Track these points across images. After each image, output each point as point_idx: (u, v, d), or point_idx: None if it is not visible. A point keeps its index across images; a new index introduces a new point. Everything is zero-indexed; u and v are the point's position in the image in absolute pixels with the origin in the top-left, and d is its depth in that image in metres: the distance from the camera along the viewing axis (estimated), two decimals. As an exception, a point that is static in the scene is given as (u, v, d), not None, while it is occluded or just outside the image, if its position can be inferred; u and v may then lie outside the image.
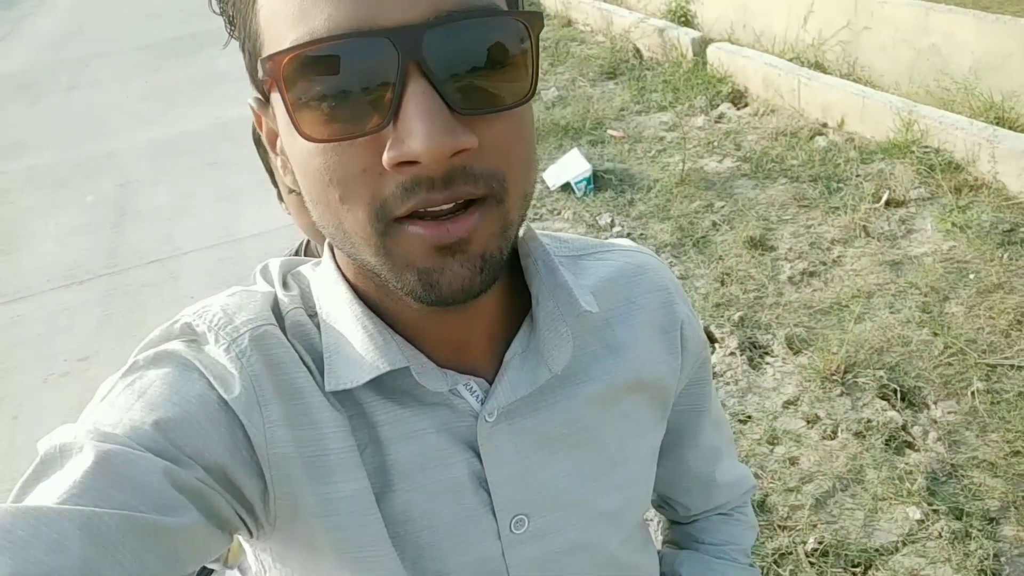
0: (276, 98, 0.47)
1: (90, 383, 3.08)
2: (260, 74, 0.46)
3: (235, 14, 0.49)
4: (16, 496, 0.44)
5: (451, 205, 0.44)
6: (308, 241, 1.24)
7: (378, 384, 0.54)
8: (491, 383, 0.57)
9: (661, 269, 0.68)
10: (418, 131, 0.41)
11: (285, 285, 0.59)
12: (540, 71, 0.47)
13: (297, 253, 1.26)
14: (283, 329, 0.55)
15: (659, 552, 0.80)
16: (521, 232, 0.59)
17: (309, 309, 0.57)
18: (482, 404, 0.57)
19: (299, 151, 0.46)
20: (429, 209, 0.44)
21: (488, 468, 0.57)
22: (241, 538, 0.57)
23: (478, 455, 0.57)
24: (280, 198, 1.17)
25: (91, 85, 7.36)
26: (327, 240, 0.57)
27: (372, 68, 0.42)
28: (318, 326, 0.56)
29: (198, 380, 0.51)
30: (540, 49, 0.47)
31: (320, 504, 0.53)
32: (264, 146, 1.11)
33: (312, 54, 0.42)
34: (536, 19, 0.45)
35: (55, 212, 4.71)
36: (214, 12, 0.52)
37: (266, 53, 0.46)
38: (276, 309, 0.56)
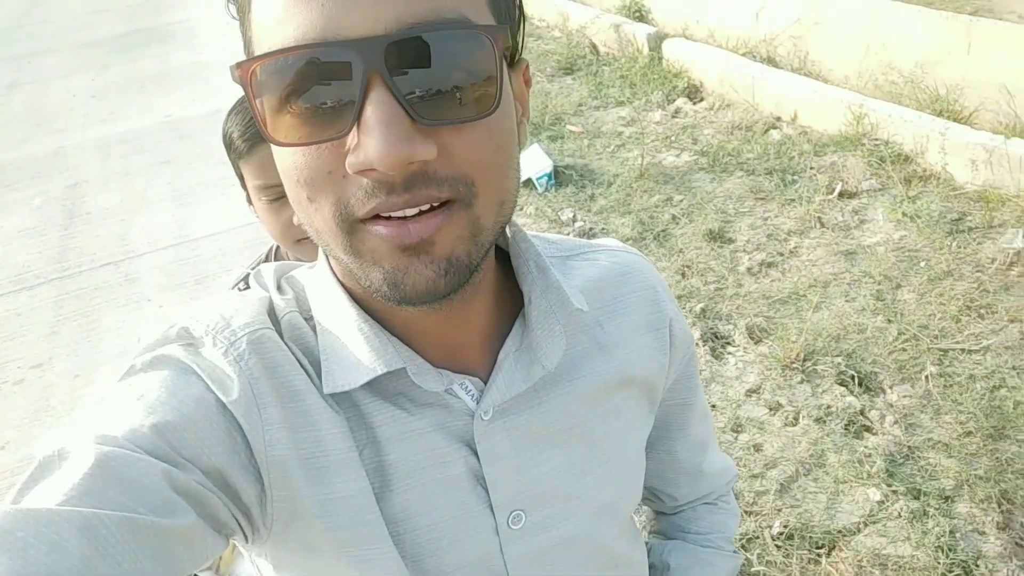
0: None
1: (45, 390, 3.01)
2: (232, 79, 0.47)
3: (238, 19, 0.51)
4: (15, 498, 0.44)
5: (415, 210, 0.45)
6: (276, 247, 1.23)
7: (375, 385, 0.55)
8: (485, 382, 0.58)
9: (648, 268, 0.70)
10: (374, 140, 0.42)
11: (280, 289, 0.59)
12: (505, 83, 0.48)
13: (267, 259, 1.25)
14: (280, 333, 0.55)
15: (647, 543, 0.82)
16: (510, 234, 0.60)
17: (305, 312, 0.58)
18: (477, 403, 0.58)
19: (275, 150, 0.48)
20: (392, 214, 0.45)
21: (485, 465, 0.58)
22: (238, 545, 0.57)
23: (475, 453, 0.58)
24: (249, 202, 1.16)
25: (35, 82, 7.13)
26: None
27: (336, 77, 0.43)
28: (314, 329, 0.57)
29: (196, 383, 0.51)
30: (504, 61, 0.48)
31: (320, 505, 0.53)
32: (235, 150, 1.11)
33: (278, 62, 0.44)
34: (501, 32, 0.46)
35: (1, 215, 4.57)
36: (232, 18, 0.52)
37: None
38: (272, 313, 0.57)
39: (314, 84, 0.43)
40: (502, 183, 0.49)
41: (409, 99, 0.43)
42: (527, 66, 0.53)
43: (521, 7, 0.52)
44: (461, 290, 0.49)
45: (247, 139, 1.08)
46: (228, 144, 1.11)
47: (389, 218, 0.45)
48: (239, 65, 0.45)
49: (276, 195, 1.09)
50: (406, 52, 0.43)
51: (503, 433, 0.59)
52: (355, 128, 0.43)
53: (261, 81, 0.45)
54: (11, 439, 2.77)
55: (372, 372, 0.53)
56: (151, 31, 8.07)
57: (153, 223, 4.19)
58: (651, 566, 0.80)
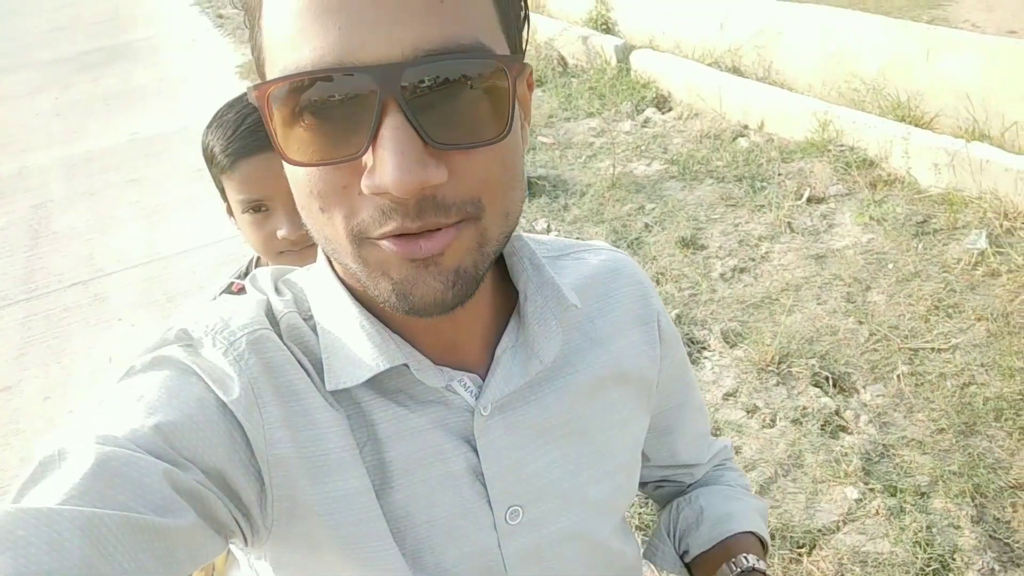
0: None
1: (13, 414, 2.95)
2: (248, 98, 0.48)
3: (247, 22, 0.51)
4: (15, 497, 0.44)
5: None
6: (257, 258, 1.22)
7: (375, 383, 0.56)
8: (483, 378, 0.59)
9: (634, 266, 0.72)
10: (389, 165, 0.43)
11: (278, 291, 0.60)
12: (516, 108, 0.49)
13: (247, 271, 1.24)
14: (279, 334, 0.56)
15: (642, 539, 0.83)
16: None
17: (303, 313, 0.58)
18: (476, 399, 0.58)
19: (287, 163, 0.48)
20: (403, 234, 0.46)
21: (484, 461, 0.59)
22: (237, 547, 0.57)
23: (474, 449, 0.58)
24: (229, 213, 1.16)
25: (-4, 102, 7.03)
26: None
27: (353, 101, 0.44)
28: (313, 329, 0.57)
29: (196, 383, 0.51)
30: (518, 91, 0.49)
31: (321, 503, 0.54)
32: (217, 164, 1.10)
33: (295, 85, 0.44)
34: (516, 61, 0.47)
35: (-37, 236, 4.48)
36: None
37: (259, 77, 0.48)
38: (270, 314, 0.57)
39: (330, 107, 0.44)
40: (508, 197, 0.50)
41: (423, 123, 0.44)
42: (531, 71, 0.54)
43: (527, 7, 0.53)
44: (468, 300, 0.49)
45: (229, 154, 1.07)
46: (209, 158, 1.10)
47: (400, 235, 0.46)
48: (256, 87, 0.46)
49: (258, 209, 1.09)
50: (422, 78, 0.43)
51: (501, 429, 0.59)
52: (370, 149, 0.44)
53: (277, 102, 0.45)
54: (-21, 464, 2.70)
55: (375, 368, 0.54)
56: (114, 49, 7.98)
57: (122, 242, 4.13)
58: (680, 528, 0.81)
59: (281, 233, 1.06)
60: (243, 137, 1.06)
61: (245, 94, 1.11)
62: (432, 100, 0.44)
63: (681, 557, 0.81)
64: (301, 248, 1.08)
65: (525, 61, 0.50)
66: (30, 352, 3.31)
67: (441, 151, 0.45)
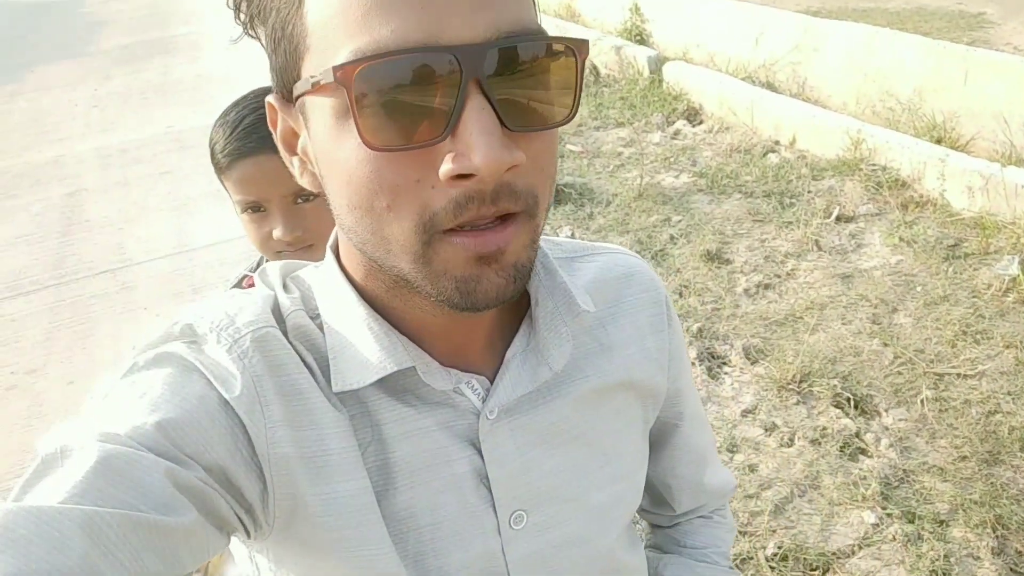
0: (321, 102, 0.47)
1: (38, 396, 2.99)
2: (322, 80, 0.45)
3: (262, 12, 0.50)
4: (17, 495, 0.44)
5: (492, 220, 0.46)
6: (263, 258, 1.23)
7: (382, 384, 0.55)
8: (492, 381, 0.59)
9: (649, 272, 0.71)
10: (479, 146, 0.43)
11: (286, 288, 0.59)
12: (582, 93, 0.50)
13: (259, 265, 1.25)
14: (284, 332, 0.55)
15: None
16: None
17: (311, 312, 0.58)
18: (483, 402, 0.58)
19: (346, 156, 0.47)
20: (476, 224, 0.46)
21: (489, 464, 0.58)
22: (238, 540, 0.57)
23: (479, 452, 0.58)
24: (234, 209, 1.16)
25: (36, 91, 7.16)
26: (328, 244, 0.59)
27: (435, 82, 0.43)
28: (320, 328, 0.57)
29: (199, 381, 0.51)
30: (583, 73, 0.49)
31: (320, 504, 0.53)
32: (217, 164, 1.11)
33: (381, 65, 0.43)
34: (583, 45, 0.48)
35: (-1, 221, 4.57)
36: (228, 8, 0.53)
37: (318, 58, 0.47)
38: (277, 312, 0.57)
39: (413, 89, 0.44)
40: (551, 191, 0.51)
41: (502, 106, 0.44)
42: None
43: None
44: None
45: (227, 154, 1.07)
46: (212, 156, 1.11)
47: (468, 229, 0.46)
48: (340, 67, 0.44)
49: (256, 209, 1.09)
50: (503, 60, 0.44)
51: (507, 433, 0.59)
52: (451, 135, 0.44)
53: (361, 83, 0.44)
54: (2, 445, 2.75)
55: (382, 370, 0.53)
56: (154, 43, 8.12)
57: (151, 232, 4.19)
58: None
59: (276, 234, 1.07)
60: (240, 138, 1.06)
61: (248, 94, 1.12)
62: (510, 83, 0.45)
63: None
64: (297, 249, 1.08)
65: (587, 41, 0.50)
66: (57, 337, 3.36)
67: (517, 134, 0.45)
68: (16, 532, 0.39)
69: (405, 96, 0.44)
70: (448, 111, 0.44)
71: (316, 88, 0.46)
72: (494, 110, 0.44)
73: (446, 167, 0.44)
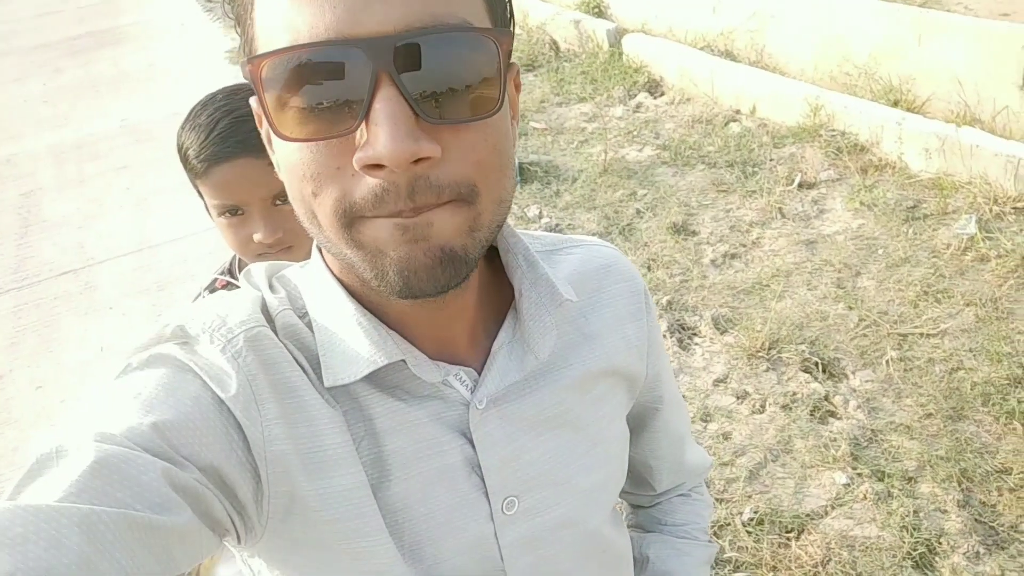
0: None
1: (7, 403, 2.95)
2: (243, 76, 0.48)
3: (237, 17, 0.52)
4: (13, 494, 0.44)
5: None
6: (238, 258, 1.22)
7: (373, 379, 0.56)
8: (478, 371, 0.60)
9: (626, 262, 0.73)
10: (383, 135, 0.43)
11: (272, 288, 0.60)
12: (506, 84, 0.50)
13: (230, 267, 1.24)
14: (274, 330, 0.56)
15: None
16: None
17: (298, 310, 0.58)
18: (472, 393, 0.59)
19: (280, 147, 0.49)
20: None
21: (481, 453, 0.60)
22: (229, 545, 0.57)
23: (470, 442, 0.59)
24: (208, 210, 1.15)
25: (-17, 88, 6.97)
26: (315, 243, 0.59)
27: (346, 75, 0.44)
28: (309, 326, 0.58)
29: (193, 381, 0.51)
30: (505, 64, 0.49)
31: (318, 498, 0.54)
32: (191, 169, 1.09)
33: (290, 59, 0.45)
34: (505, 35, 0.48)
35: (-48, 224, 4.45)
36: (227, 16, 0.53)
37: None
38: (265, 311, 0.57)
39: (323, 81, 0.45)
40: (500, 182, 0.51)
41: (415, 98, 0.45)
42: (517, 71, 0.55)
43: (512, 11, 0.54)
44: (462, 283, 0.50)
45: (203, 159, 1.05)
46: (184, 161, 1.09)
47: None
48: (249, 60, 0.46)
49: (234, 212, 1.08)
50: (413, 53, 0.44)
51: (497, 421, 0.60)
52: (363, 125, 0.45)
53: (270, 77, 0.46)
54: (-28, 454, 2.70)
55: (373, 364, 0.54)
56: (103, 34, 7.91)
57: (112, 230, 4.12)
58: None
59: (257, 237, 1.06)
60: (216, 143, 1.04)
61: (216, 93, 1.11)
62: (424, 75, 0.45)
63: None
64: (278, 251, 1.07)
65: (513, 62, 0.51)
66: (21, 342, 3.30)
67: (434, 127, 0.45)
68: (12, 530, 0.39)
69: (317, 88, 0.45)
70: (361, 102, 0.44)
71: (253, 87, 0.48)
72: (407, 101, 0.44)
73: (356, 155, 0.45)
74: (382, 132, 0.43)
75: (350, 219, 0.47)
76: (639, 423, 0.79)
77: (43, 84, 6.79)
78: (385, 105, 0.44)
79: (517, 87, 0.57)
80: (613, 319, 0.69)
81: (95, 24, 8.13)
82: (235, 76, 5.66)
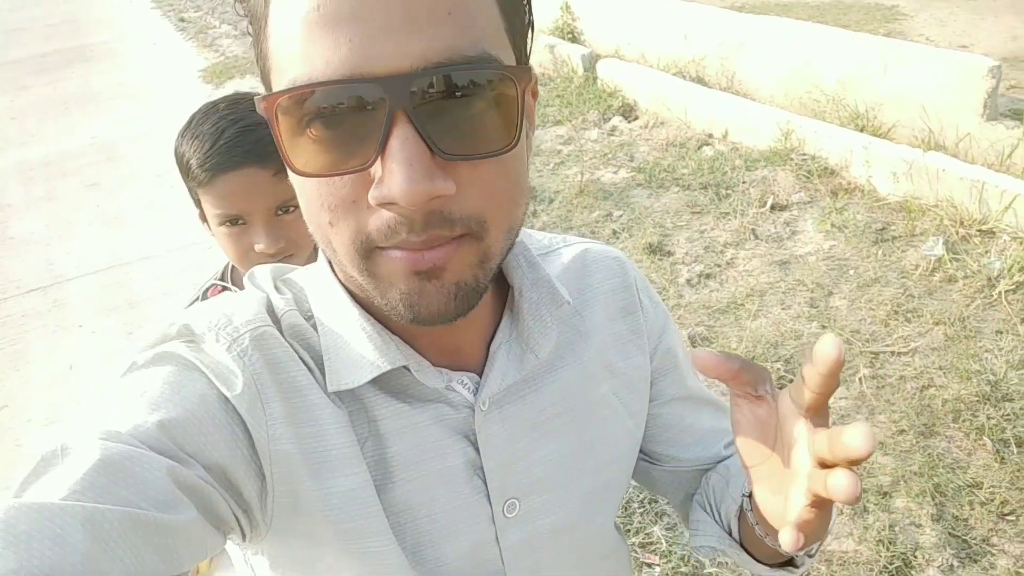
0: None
1: (-30, 422, 2.86)
2: (258, 110, 0.47)
3: (251, 26, 0.51)
4: (18, 492, 0.44)
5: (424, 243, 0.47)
6: (232, 266, 1.21)
7: (377, 382, 0.56)
8: (480, 375, 0.60)
9: (616, 259, 0.72)
10: (398, 176, 0.43)
11: (277, 290, 0.60)
12: (526, 121, 0.49)
13: (223, 275, 1.23)
14: (280, 331, 0.56)
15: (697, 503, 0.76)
16: None
17: (304, 312, 0.58)
18: (474, 395, 0.59)
19: (296, 175, 0.49)
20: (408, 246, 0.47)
21: (484, 456, 0.60)
22: (233, 543, 0.57)
23: (473, 444, 0.59)
24: (203, 219, 1.14)
25: (-52, 105, 6.84)
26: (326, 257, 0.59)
27: (362, 112, 0.44)
28: (314, 327, 0.58)
29: (199, 379, 0.51)
30: (526, 101, 0.49)
31: (322, 498, 0.54)
32: (194, 178, 1.09)
33: (304, 96, 0.44)
34: (524, 73, 0.48)
35: (-85, 241, 4.35)
36: (239, 15, 0.53)
37: (264, 83, 0.49)
38: (271, 312, 0.57)
39: (340, 118, 0.44)
40: (512, 212, 0.51)
41: (431, 134, 0.44)
42: (535, 79, 0.54)
43: (531, 11, 0.53)
44: (471, 311, 0.50)
45: (207, 169, 1.04)
46: (185, 170, 1.08)
47: (403, 247, 0.47)
48: (265, 98, 0.46)
49: (235, 222, 1.07)
50: (431, 90, 0.44)
51: (499, 423, 0.60)
52: (379, 160, 0.44)
53: (286, 113, 0.45)
54: (-66, 475, 2.63)
55: (376, 369, 0.54)
56: (72, 51, 7.83)
57: (82, 247, 4.05)
58: (714, 497, 0.73)
59: (259, 247, 1.05)
60: (221, 152, 1.03)
61: (218, 102, 1.10)
62: (440, 111, 0.44)
63: (729, 533, 0.72)
64: (278, 261, 1.07)
65: (531, 67, 0.51)
66: (-13, 360, 3.23)
67: (449, 162, 0.45)
68: (17, 528, 0.39)
69: (332, 125, 0.45)
70: (377, 139, 0.44)
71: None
72: (423, 139, 0.44)
73: (371, 192, 0.45)
74: (398, 172, 0.43)
75: (367, 250, 0.48)
76: (683, 423, 0.74)
77: (10, 101, 6.69)
78: (402, 145, 0.43)
79: (534, 94, 0.56)
80: (603, 316, 0.69)
81: (64, 42, 8.04)
82: (209, 95, 5.64)
